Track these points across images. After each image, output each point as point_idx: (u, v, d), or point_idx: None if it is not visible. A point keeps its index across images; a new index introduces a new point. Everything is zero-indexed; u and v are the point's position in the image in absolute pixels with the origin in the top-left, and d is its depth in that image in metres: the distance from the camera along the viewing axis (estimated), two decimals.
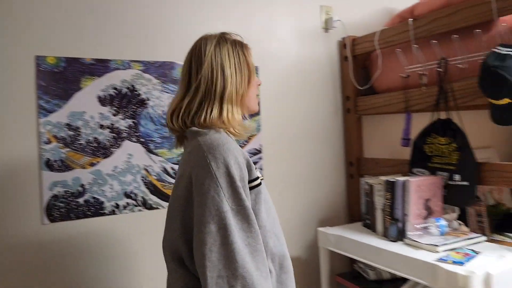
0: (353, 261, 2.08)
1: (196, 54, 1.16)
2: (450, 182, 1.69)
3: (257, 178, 1.10)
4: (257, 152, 1.97)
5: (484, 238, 1.60)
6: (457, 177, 1.67)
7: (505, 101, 1.42)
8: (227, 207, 1.00)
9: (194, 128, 1.11)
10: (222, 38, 1.19)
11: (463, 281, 1.30)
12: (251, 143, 1.96)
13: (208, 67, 1.12)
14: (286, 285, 1.12)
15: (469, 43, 1.64)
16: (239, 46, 1.19)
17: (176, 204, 1.10)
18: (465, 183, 1.64)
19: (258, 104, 1.19)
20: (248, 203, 1.03)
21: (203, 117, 1.10)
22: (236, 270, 0.97)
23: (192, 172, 1.04)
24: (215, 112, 1.10)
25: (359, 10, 2.30)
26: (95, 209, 1.64)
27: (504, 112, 1.45)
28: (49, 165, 1.57)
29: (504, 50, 1.43)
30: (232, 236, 0.98)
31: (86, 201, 1.62)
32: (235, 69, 1.15)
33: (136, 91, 1.72)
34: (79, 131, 1.62)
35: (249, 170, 1.08)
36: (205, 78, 1.12)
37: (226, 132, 1.13)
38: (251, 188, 1.08)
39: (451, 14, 1.66)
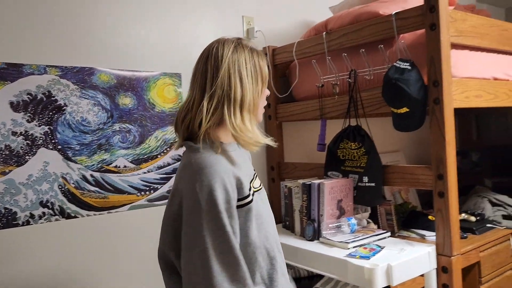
0: None
1: (213, 57, 1.12)
2: (360, 184, 1.84)
3: (248, 196, 1.09)
4: (180, 158, 1.99)
5: (388, 234, 1.76)
6: (365, 179, 1.82)
7: (404, 110, 1.59)
8: (207, 231, 1.00)
9: (189, 143, 1.12)
10: (240, 44, 1.15)
11: (368, 274, 1.43)
12: (175, 151, 1.97)
13: (226, 72, 1.10)
14: None
15: (375, 57, 1.80)
16: (256, 54, 1.16)
17: (170, 219, 1.12)
18: (372, 184, 1.80)
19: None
20: (229, 228, 1.02)
21: (229, 121, 1.07)
22: None
23: (183, 190, 1.07)
24: (236, 119, 1.08)
25: (279, 22, 2.41)
26: (7, 220, 1.56)
27: (403, 120, 1.62)
28: None
29: (402, 65, 1.60)
30: (211, 261, 0.99)
31: None
32: (252, 77, 1.13)
33: (53, 97, 1.67)
34: None
35: (239, 189, 1.07)
36: (222, 84, 1.09)
37: (233, 143, 1.14)
38: (241, 206, 1.07)
39: (358, 30, 1.82)
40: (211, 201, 1.01)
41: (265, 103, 1.25)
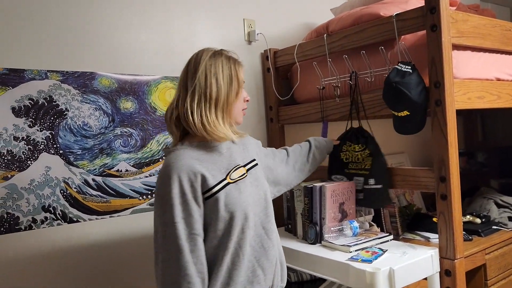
0: None
1: (193, 61, 1.29)
2: (366, 186, 1.82)
3: (213, 187, 1.20)
4: None
5: (391, 237, 1.75)
6: (371, 181, 1.80)
7: (405, 113, 1.58)
8: (162, 220, 1.17)
9: (167, 148, 1.29)
10: (218, 52, 1.30)
11: (369, 277, 1.41)
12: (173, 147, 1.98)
13: (203, 73, 1.24)
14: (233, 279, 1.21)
15: (376, 59, 1.79)
16: (232, 61, 1.30)
17: None
18: (379, 186, 1.78)
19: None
20: (179, 218, 1.15)
21: (198, 118, 1.21)
22: (156, 277, 1.18)
23: (156, 185, 1.24)
24: (211, 116, 1.23)
25: (281, 24, 2.41)
26: (9, 225, 1.57)
27: (404, 123, 1.60)
28: None
29: (404, 67, 1.59)
30: (160, 247, 1.17)
31: None
32: (227, 80, 1.26)
33: (54, 101, 1.68)
34: None
35: (203, 182, 1.19)
36: (199, 84, 1.24)
37: (202, 141, 1.27)
38: (207, 198, 1.19)
39: (359, 32, 1.81)
40: (167, 194, 1.16)
41: (245, 106, 1.36)
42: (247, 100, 1.36)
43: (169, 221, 1.15)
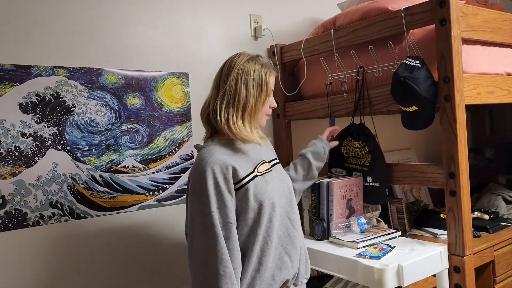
0: None
1: (227, 64, 1.36)
2: (364, 183, 1.82)
3: (243, 178, 1.28)
4: (189, 157, 1.99)
5: (399, 233, 1.74)
6: (369, 179, 1.80)
7: (413, 108, 1.56)
8: (199, 210, 1.25)
9: (198, 145, 1.40)
10: (253, 59, 1.36)
11: (378, 274, 1.40)
12: (182, 149, 1.98)
13: (234, 78, 1.32)
14: (264, 267, 1.28)
15: (384, 54, 1.77)
16: (265, 69, 1.36)
17: (186, 204, 1.37)
18: (376, 184, 1.78)
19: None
20: (214, 208, 1.23)
21: (224, 121, 1.30)
22: (191, 262, 1.27)
23: (190, 178, 1.33)
24: (237, 121, 1.31)
25: (287, 19, 2.39)
26: (17, 221, 1.58)
27: (412, 118, 1.59)
28: None
29: (412, 62, 1.57)
30: (197, 234, 1.25)
31: (7, 212, 1.56)
32: (257, 88, 1.33)
33: (61, 98, 1.68)
34: None
35: (234, 174, 1.27)
36: (230, 88, 1.32)
37: (230, 140, 1.35)
38: (238, 189, 1.27)
39: (367, 26, 1.79)
40: (202, 186, 1.24)
41: (269, 111, 1.44)
42: (273, 107, 1.43)
43: (206, 211, 1.23)
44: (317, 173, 1.71)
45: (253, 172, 1.33)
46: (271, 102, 1.42)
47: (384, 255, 1.51)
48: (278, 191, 1.37)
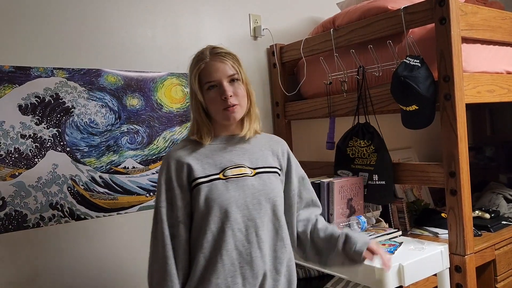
0: None
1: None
2: (370, 182, 1.81)
3: (198, 178, 1.22)
4: None
5: (399, 233, 1.74)
6: (375, 177, 1.79)
7: (413, 107, 1.56)
8: (154, 203, 1.26)
9: None
10: (194, 56, 1.30)
11: (379, 274, 1.40)
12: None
13: (188, 83, 1.32)
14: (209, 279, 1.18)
15: (383, 53, 1.77)
16: (195, 60, 1.29)
17: None
18: (382, 182, 1.77)
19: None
20: (163, 203, 1.22)
21: (192, 118, 1.33)
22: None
23: None
24: (192, 123, 1.33)
25: (287, 19, 2.39)
26: (17, 222, 1.57)
27: (412, 117, 1.59)
28: None
29: (412, 61, 1.57)
30: (152, 227, 1.26)
31: (7, 214, 1.55)
32: (191, 82, 1.28)
33: (60, 99, 1.68)
34: None
35: (189, 171, 1.23)
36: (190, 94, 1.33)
37: (194, 139, 1.30)
38: (193, 188, 1.23)
39: (367, 26, 1.79)
40: (159, 181, 1.26)
41: (226, 105, 1.23)
42: (224, 98, 1.22)
43: (156, 205, 1.24)
44: (330, 263, 1.34)
45: (216, 174, 1.23)
46: (221, 93, 1.22)
47: (394, 250, 1.52)
48: (245, 201, 1.21)
